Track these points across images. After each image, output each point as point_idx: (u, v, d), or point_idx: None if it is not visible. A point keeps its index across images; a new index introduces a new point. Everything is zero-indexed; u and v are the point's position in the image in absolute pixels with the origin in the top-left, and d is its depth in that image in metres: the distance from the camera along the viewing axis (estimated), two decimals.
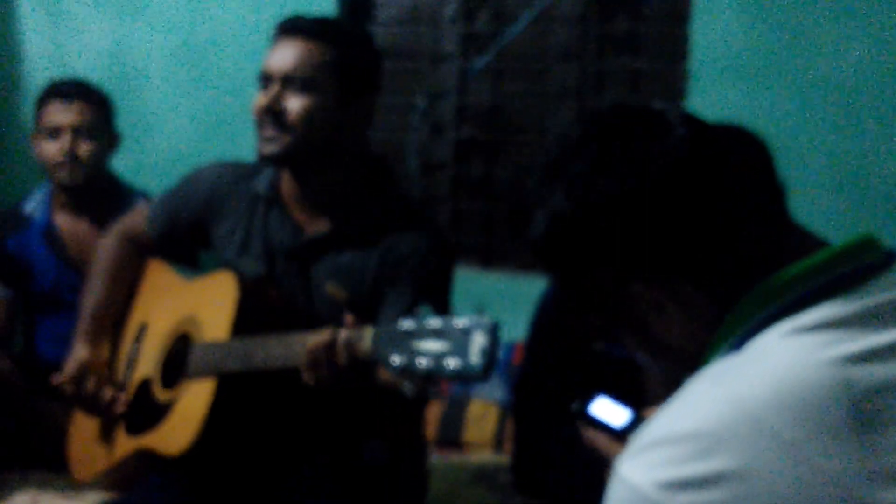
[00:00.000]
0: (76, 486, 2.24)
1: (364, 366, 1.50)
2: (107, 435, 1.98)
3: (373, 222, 1.81)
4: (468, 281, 1.89)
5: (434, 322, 1.37)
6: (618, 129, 0.97)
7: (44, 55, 3.42)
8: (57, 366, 2.39)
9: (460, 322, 1.35)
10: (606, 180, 0.93)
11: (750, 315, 0.91)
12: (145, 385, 1.92)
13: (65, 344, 2.50)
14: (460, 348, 1.34)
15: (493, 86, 3.32)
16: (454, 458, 2.68)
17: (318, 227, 1.83)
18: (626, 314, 0.99)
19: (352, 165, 1.82)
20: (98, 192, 2.62)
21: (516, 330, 3.13)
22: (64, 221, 2.68)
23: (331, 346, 1.51)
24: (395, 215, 1.83)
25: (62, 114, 2.60)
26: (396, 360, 1.39)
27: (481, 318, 1.35)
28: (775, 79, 2.91)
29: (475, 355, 1.33)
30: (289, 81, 1.73)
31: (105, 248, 2.08)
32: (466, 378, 1.35)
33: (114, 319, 2.05)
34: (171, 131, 3.40)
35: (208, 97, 3.38)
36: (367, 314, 1.78)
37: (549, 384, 2.37)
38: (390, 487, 1.87)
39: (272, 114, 1.74)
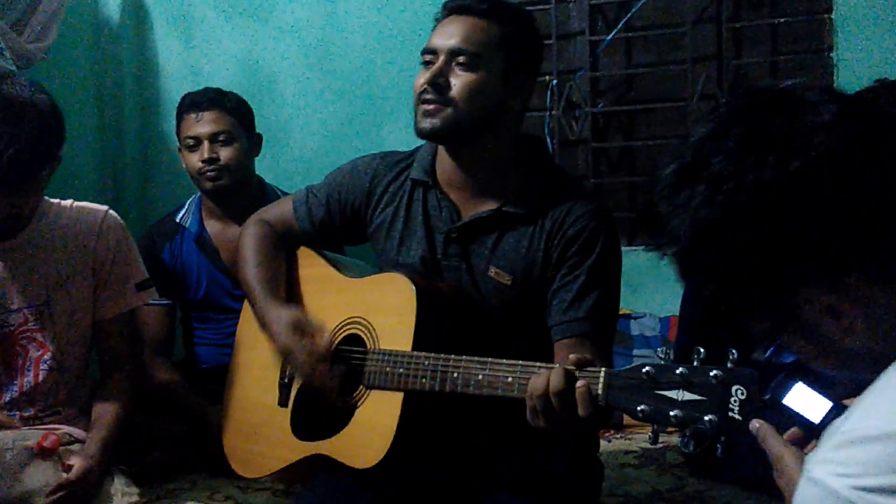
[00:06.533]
0: (245, 490, 2.26)
1: (600, 410, 1.42)
2: (271, 433, 1.95)
3: (534, 202, 1.77)
4: None
5: (681, 370, 1.28)
6: (756, 116, 0.87)
7: (180, 69, 3.50)
8: (215, 370, 2.44)
9: (715, 372, 1.25)
10: (752, 174, 0.83)
11: None
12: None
13: (221, 349, 2.56)
14: (718, 402, 1.24)
15: (625, 58, 3.24)
16: (617, 440, 2.61)
17: (477, 208, 1.80)
18: (797, 324, 0.88)
19: (509, 144, 1.80)
20: (246, 196, 2.66)
21: (667, 305, 3.05)
22: (214, 228, 2.72)
23: (567, 392, 1.43)
24: (555, 194, 1.78)
25: (197, 125, 2.66)
26: (644, 409, 1.32)
27: (738, 367, 1.24)
28: None
29: (736, 410, 1.23)
30: (455, 55, 1.74)
31: (250, 234, 2.00)
32: (727, 433, 1.24)
33: (282, 293, 1.96)
34: (305, 135, 3.43)
35: (340, 100, 3.40)
36: (532, 297, 1.76)
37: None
38: (568, 482, 1.80)
39: (435, 86, 1.73)
